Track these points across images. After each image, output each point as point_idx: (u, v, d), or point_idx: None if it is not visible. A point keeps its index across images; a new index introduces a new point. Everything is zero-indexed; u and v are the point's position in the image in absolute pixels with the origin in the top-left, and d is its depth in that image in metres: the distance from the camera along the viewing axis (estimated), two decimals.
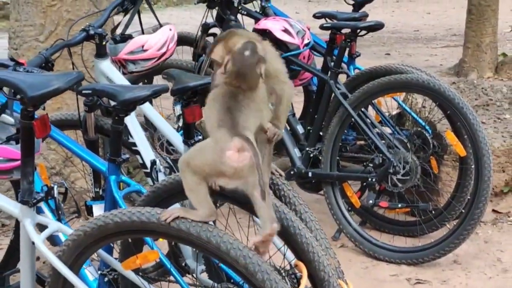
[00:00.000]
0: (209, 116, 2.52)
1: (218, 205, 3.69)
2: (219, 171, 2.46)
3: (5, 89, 2.76)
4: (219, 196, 2.81)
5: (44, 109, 2.80)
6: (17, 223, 3.87)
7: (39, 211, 2.97)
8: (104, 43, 3.81)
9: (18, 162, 2.90)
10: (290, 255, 2.85)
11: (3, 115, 3.09)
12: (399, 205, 4.62)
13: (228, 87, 2.54)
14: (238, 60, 2.53)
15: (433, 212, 4.63)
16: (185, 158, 2.51)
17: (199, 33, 5.15)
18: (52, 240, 3.18)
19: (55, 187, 2.98)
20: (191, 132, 3.38)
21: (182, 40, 5.37)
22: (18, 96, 2.56)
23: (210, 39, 5.21)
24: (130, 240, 2.79)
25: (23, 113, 2.61)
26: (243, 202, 2.68)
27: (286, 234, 2.63)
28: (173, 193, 2.80)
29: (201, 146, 2.55)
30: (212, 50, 2.65)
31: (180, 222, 2.44)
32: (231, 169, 2.43)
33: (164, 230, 2.47)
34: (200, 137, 3.49)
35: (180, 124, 3.54)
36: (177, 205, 2.85)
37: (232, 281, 2.99)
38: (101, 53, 3.84)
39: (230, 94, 2.53)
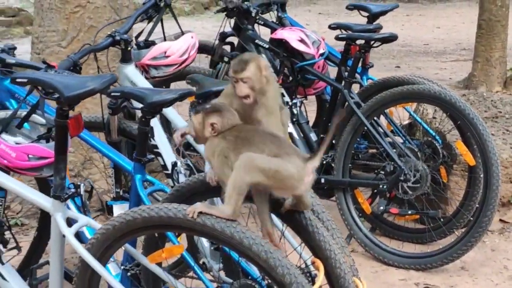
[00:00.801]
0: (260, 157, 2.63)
1: None
2: (288, 187, 2.64)
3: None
4: None
5: (73, 110, 2.94)
6: (41, 221, 4.03)
7: (66, 208, 3.10)
8: (129, 48, 3.95)
9: (48, 160, 3.04)
10: (305, 255, 2.99)
11: (34, 115, 3.24)
12: (409, 212, 4.74)
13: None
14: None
15: (441, 219, 4.75)
16: (254, 158, 2.59)
17: (217, 41, 5.29)
18: (77, 236, 3.32)
19: (82, 185, 3.12)
20: None
21: (200, 48, 5.51)
22: (55, 96, 2.69)
23: (227, 47, 5.35)
24: (156, 235, 2.92)
25: (58, 112, 2.75)
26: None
27: (304, 232, 2.76)
28: (196, 192, 2.94)
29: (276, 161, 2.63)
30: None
31: (206, 218, 2.58)
32: (303, 188, 2.65)
33: (190, 225, 2.60)
34: None
35: None
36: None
37: (250, 277, 3.12)
38: (126, 58, 3.98)
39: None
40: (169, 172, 3.73)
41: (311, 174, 2.64)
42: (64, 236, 2.84)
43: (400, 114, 5.10)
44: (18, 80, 2.75)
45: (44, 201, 2.93)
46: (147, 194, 3.19)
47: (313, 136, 5.08)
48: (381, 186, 4.65)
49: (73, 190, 2.99)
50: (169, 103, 3.07)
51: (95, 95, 3.06)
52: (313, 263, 2.78)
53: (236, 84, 2.81)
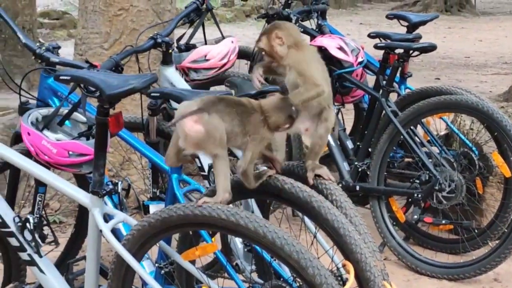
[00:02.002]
0: None
1: (272, 208, 3.89)
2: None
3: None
4: (275, 198, 3.00)
5: (114, 109, 3.01)
6: (79, 218, 4.11)
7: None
8: (170, 51, 4.01)
9: (88, 157, 3.12)
10: (336, 259, 3.03)
11: (75, 113, 3.32)
12: (443, 222, 4.75)
13: None
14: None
15: (476, 230, 4.75)
16: None
17: (256, 47, 5.33)
18: (114, 233, 3.38)
19: (120, 183, 3.18)
20: None
21: (240, 53, 5.57)
22: (97, 94, 2.76)
23: None
24: (190, 233, 2.97)
25: (99, 109, 2.81)
26: (297, 204, 2.87)
27: (336, 235, 2.80)
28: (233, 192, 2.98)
29: None
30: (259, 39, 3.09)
31: (239, 218, 2.62)
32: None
33: (224, 224, 2.65)
34: None
35: None
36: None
37: (281, 278, 3.16)
38: (166, 61, 4.05)
39: None
40: (206, 173, 3.78)
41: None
42: (101, 231, 2.90)
43: (437, 124, 5.11)
44: (61, 77, 2.83)
45: (83, 197, 3.00)
46: (182, 193, 3.25)
47: (349, 144, 5.11)
48: (415, 195, 4.66)
49: (111, 187, 3.05)
50: None
51: (135, 97, 3.13)
52: (343, 265, 2.82)
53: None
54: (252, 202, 3.39)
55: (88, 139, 3.19)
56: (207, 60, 4.14)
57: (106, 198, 3.20)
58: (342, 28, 14.92)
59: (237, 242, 3.53)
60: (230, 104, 2.74)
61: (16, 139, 3.59)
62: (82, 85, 2.86)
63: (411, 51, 4.83)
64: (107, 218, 3.00)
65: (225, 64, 4.19)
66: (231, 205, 2.74)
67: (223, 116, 2.69)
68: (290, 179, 2.91)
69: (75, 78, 2.84)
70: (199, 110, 2.65)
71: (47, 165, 3.20)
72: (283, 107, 2.83)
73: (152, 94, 3.28)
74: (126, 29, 5.19)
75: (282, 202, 2.95)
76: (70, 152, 3.13)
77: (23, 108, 3.57)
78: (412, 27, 5.37)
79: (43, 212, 3.53)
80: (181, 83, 4.05)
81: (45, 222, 3.46)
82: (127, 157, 5.00)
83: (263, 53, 3.11)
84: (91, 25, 5.23)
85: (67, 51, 7.03)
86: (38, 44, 3.62)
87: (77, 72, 2.98)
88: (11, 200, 3.59)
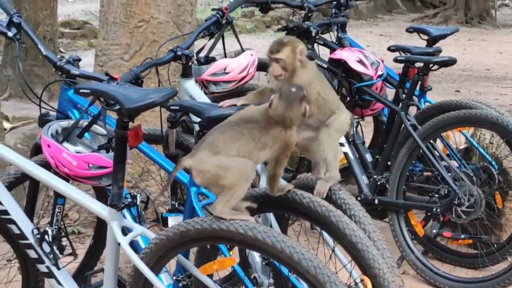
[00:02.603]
0: None
1: (290, 221, 3.89)
2: None
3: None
4: (293, 212, 3.00)
5: (133, 122, 3.02)
6: (97, 229, 4.12)
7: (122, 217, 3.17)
8: (190, 64, 4.02)
9: (107, 170, 3.12)
10: (354, 274, 3.02)
11: (95, 125, 3.33)
12: (462, 236, 4.73)
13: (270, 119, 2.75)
14: (284, 95, 2.74)
15: (495, 245, 4.73)
16: None
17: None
18: (132, 245, 3.39)
19: (138, 195, 3.19)
20: None
21: (260, 65, 5.57)
22: (116, 107, 2.77)
23: None
24: (208, 247, 2.97)
25: (119, 123, 2.82)
26: (315, 218, 2.87)
27: (354, 249, 2.80)
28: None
29: None
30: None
31: (257, 232, 2.62)
32: None
33: (241, 238, 2.65)
34: None
35: None
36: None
37: None
38: (186, 73, 4.06)
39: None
40: None
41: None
42: (119, 244, 2.91)
43: (457, 138, 5.10)
44: (81, 91, 2.84)
45: (101, 210, 3.01)
46: (201, 206, 3.25)
47: (368, 157, 5.10)
48: (434, 209, 4.64)
49: (129, 200, 3.06)
50: (227, 118, 3.12)
51: (155, 109, 3.14)
52: (361, 280, 2.81)
53: (272, 63, 3.10)
54: (271, 216, 3.39)
55: (107, 151, 3.20)
56: (227, 73, 4.15)
57: (124, 211, 3.22)
58: (362, 40, 14.96)
59: (255, 256, 3.53)
60: (241, 127, 2.74)
61: (36, 151, 3.60)
62: (101, 98, 2.88)
63: (431, 65, 4.82)
64: (125, 230, 3.01)
65: (244, 77, 4.20)
66: (251, 218, 2.74)
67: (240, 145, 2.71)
68: (308, 193, 2.91)
69: (95, 91, 2.86)
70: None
71: (67, 178, 3.21)
72: (289, 98, 2.75)
73: (172, 107, 3.29)
74: (146, 41, 5.20)
75: (300, 216, 2.95)
76: (90, 165, 3.13)
77: (43, 120, 3.59)
78: (432, 40, 5.36)
79: (62, 223, 3.54)
80: (200, 96, 4.06)
81: (63, 234, 3.47)
82: (146, 169, 5.01)
83: (278, 65, 3.09)
84: (111, 36, 5.25)
85: (87, 61, 7.08)
86: (58, 56, 3.64)
87: (97, 85, 2.99)
88: (30, 211, 3.60)
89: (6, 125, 7.25)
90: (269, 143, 2.73)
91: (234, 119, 2.77)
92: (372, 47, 13.69)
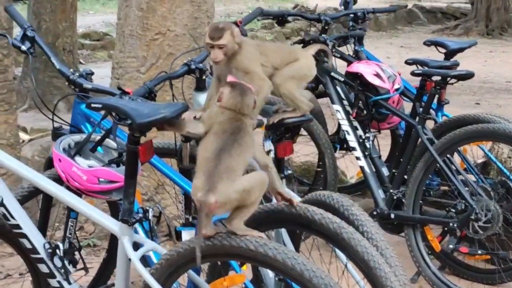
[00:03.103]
0: None
1: (303, 237, 3.86)
2: None
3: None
4: (305, 228, 2.97)
5: (145, 136, 3.00)
6: (111, 243, 4.11)
7: (134, 232, 3.16)
8: (204, 77, 4.01)
9: (118, 184, 3.11)
10: None
11: (107, 139, 3.32)
12: (479, 252, 4.68)
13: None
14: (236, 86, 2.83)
15: None
16: None
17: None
18: (144, 260, 3.37)
19: (150, 210, 3.17)
20: (280, 167, 3.53)
21: None
22: (127, 122, 2.76)
23: None
24: (219, 263, 2.95)
25: (130, 138, 2.81)
26: (327, 235, 2.84)
27: (366, 267, 2.77)
28: (261, 222, 2.96)
29: None
30: None
31: (268, 249, 2.60)
32: None
33: (252, 255, 2.63)
34: (290, 171, 3.65)
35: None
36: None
37: None
38: (200, 87, 4.04)
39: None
40: None
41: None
42: (130, 259, 2.89)
43: (475, 152, 5.05)
44: (92, 105, 2.84)
45: (112, 225, 2.99)
46: (215, 221, 3.22)
47: (385, 171, 5.06)
48: (451, 224, 4.60)
49: (141, 214, 3.04)
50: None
51: None
52: None
53: (212, 50, 3.19)
54: (283, 232, 3.36)
55: (118, 165, 3.19)
56: None
57: (136, 225, 3.20)
58: (382, 51, 14.93)
59: (268, 271, 3.50)
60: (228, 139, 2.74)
61: (49, 164, 3.60)
62: (113, 113, 2.87)
63: (448, 79, 4.78)
64: (137, 245, 2.99)
65: None
66: (263, 235, 2.72)
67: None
68: (320, 209, 2.89)
69: (106, 106, 2.85)
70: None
71: (78, 192, 3.20)
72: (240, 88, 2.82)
73: None
74: (163, 54, 5.20)
75: (312, 233, 2.93)
76: (100, 179, 3.12)
77: (56, 133, 3.59)
78: (450, 53, 5.32)
79: (75, 237, 3.53)
80: None
81: (76, 248, 3.46)
82: (161, 182, 5.00)
83: (221, 51, 3.18)
84: (128, 49, 5.25)
85: (106, 73, 7.07)
86: (71, 70, 3.64)
87: (108, 100, 2.98)
88: (43, 225, 3.59)
89: (24, 136, 7.27)
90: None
91: (211, 139, 2.75)
92: (392, 59, 13.65)
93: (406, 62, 5.16)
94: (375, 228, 2.96)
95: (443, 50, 5.35)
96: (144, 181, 5.23)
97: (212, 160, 2.67)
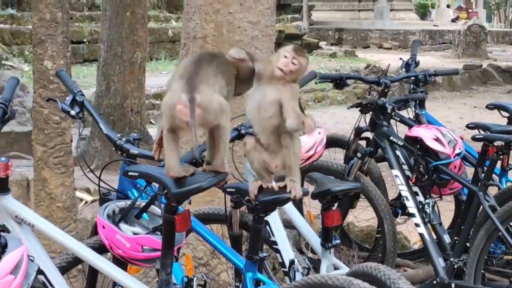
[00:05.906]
0: None
1: None
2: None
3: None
4: None
5: (190, 203, 2.94)
6: None
7: None
8: None
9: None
10: None
11: (152, 206, 3.27)
12: None
13: None
14: None
15: None
16: None
17: (352, 136, 5.23)
18: None
19: (195, 279, 3.10)
20: (329, 235, 3.44)
21: (335, 142, 5.49)
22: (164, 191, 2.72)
23: (363, 143, 5.29)
24: None
25: (166, 207, 2.76)
26: None
27: None
28: None
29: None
30: None
31: None
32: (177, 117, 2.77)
33: None
34: (338, 241, 3.55)
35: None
36: None
37: None
38: None
39: None
40: (287, 269, 3.67)
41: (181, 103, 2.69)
42: None
43: None
44: (129, 173, 2.81)
45: None
46: None
47: (446, 238, 4.89)
48: None
49: (184, 284, 2.98)
50: (282, 203, 3.04)
51: None
52: None
53: (285, 59, 3.01)
54: None
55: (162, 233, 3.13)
56: None
57: None
58: (455, 111, 14.71)
59: None
60: None
61: (95, 230, 3.56)
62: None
63: (511, 144, 4.63)
64: None
65: (311, 156, 4.10)
66: None
67: None
68: (365, 283, 2.78)
69: (142, 174, 2.81)
70: None
71: (123, 260, 3.15)
72: None
73: (228, 190, 3.22)
74: None
75: None
76: (144, 247, 3.07)
77: (103, 199, 3.56)
78: None
79: None
80: None
81: None
82: None
83: (296, 67, 3.04)
84: None
85: None
86: (119, 135, 3.62)
87: (146, 168, 2.94)
88: None
89: (87, 197, 7.29)
90: None
91: None
92: (465, 120, 13.40)
93: (468, 127, 5.02)
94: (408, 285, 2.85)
95: (506, 114, 5.20)
96: (200, 245, 5.16)
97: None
